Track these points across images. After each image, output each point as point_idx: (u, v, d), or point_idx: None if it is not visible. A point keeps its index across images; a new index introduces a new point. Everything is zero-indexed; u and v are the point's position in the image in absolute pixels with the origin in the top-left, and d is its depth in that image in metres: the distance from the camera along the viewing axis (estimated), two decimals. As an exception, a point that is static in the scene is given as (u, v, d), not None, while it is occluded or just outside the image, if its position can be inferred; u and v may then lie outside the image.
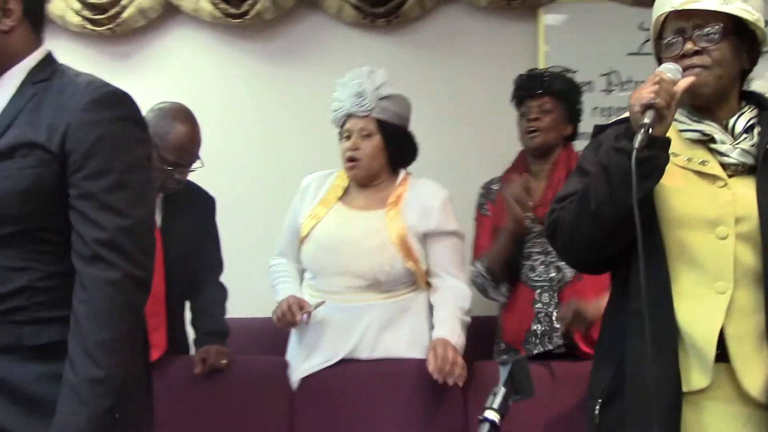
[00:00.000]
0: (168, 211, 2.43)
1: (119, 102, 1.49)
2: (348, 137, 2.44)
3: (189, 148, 2.36)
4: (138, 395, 1.62)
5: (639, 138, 1.40)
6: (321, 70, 3.32)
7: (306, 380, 2.36)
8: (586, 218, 1.52)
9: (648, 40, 3.10)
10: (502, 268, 2.50)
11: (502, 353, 2.64)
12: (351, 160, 2.42)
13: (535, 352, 2.45)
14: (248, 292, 2.75)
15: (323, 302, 2.34)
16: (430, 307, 2.45)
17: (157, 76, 3.39)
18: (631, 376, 1.47)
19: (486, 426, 1.11)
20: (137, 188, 1.50)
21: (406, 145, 2.51)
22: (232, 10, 3.28)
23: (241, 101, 3.42)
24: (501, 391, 1.14)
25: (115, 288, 1.43)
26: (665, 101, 1.43)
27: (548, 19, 3.31)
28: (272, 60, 3.41)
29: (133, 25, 3.35)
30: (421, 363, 2.32)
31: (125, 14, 3.32)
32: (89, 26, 3.34)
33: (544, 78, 2.66)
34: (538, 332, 2.48)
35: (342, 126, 2.48)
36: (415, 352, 2.36)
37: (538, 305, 2.50)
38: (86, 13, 3.33)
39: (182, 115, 2.38)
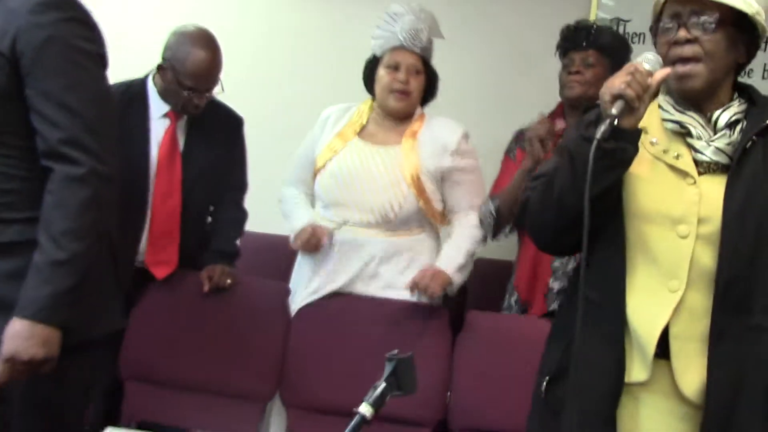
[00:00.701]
0: (192, 132, 2.50)
1: (66, 4, 1.56)
2: (396, 68, 2.43)
3: (206, 74, 2.39)
4: (104, 286, 1.72)
5: (602, 129, 1.37)
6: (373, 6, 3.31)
7: (304, 309, 2.46)
8: (550, 204, 1.52)
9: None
10: (511, 208, 2.49)
11: (513, 305, 2.69)
12: (403, 92, 2.44)
13: (550, 309, 2.48)
14: (268, 208, 2.77)
15: (345, 222, 2.42)
16: (436, 251, 2.50)
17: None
18: (575, 360, 1.47)
19: (358, 419, 1.15)
20: (91, 86, 1.58)
21: (436, 86, 2.55)
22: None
23: (281, 20, 3.42)
24: (381, 386, 1.17)
25: (80, 183, 1.53)
26: (636, 92, 1.39)
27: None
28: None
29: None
30: (417, 306, 2.42)
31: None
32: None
33: (591, 30, 2.59)
34: (555, 290, 2.51)
35: (383, 55, 2.46)
36: (407, 294, 2.42)
37: (556, 263, 2.51)
38: None
39: (203, 40, 2.40)
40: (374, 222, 2.41)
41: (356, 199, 2.42)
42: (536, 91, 3.08)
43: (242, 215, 2.68)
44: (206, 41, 2.40)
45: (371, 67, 2.51)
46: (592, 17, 3.16)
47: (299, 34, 3.44)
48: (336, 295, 2.45)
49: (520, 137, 2.70)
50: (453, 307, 2.63)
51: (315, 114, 2.62)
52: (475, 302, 2.97)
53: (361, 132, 2.50)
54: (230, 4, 3.34)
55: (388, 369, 1.18)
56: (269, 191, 2.68)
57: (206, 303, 2.47)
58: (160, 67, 2.41)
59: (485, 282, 3.10)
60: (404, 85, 2.42)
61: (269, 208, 2.68)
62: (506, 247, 2.88)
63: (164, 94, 2.44)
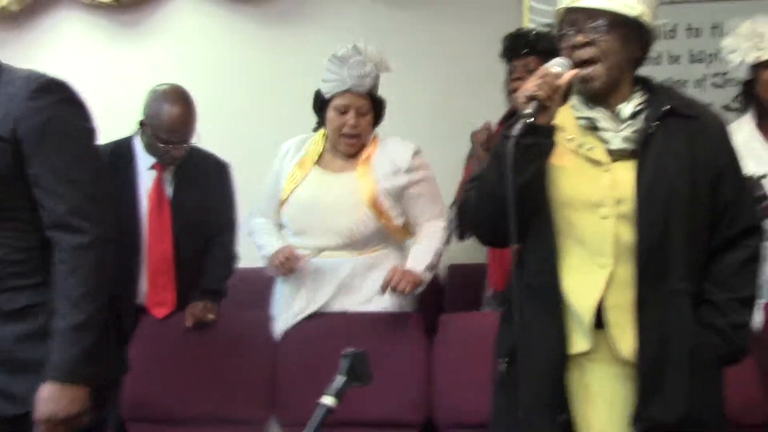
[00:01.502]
0: (178, 181, 2.71)
1: (58, 87, 1.71)
2: (345, 112, 2.55)
3: (180, 128, 2.60)
4: (109, 342, 1.83)
5: (518, 127, 1.53)
6: (318, 33, 3.51)
7: (288, 332, 2.60)
8: (484, 198, 1.67)
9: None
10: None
11: (491, 300, 2.83)
12: (352, 136, 2.56)
13: None
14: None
15: (319, 251, 2.55)
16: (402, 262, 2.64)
17: (162, 41, 3.62)
18: (522, 340, 1.63)
19: (323, 409, 1.30)
20: (89, 159, 1.73)
21: (383, 112, 2.67)
22: (228, -21, 3.44)
23: (240, 65, 3.62)
24: (341, 379, 1.33)
25: (88, 249, 1.67)
26: (547, 93, 1.55)
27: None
28: (271, 25, 3.60)
29: (137, -4, 3.57)
30: (393, 315, 2.56)
31: (130, -14, 3.53)
32: (98, -1, 3.57)
33: (530, 38, 2.74)
34: None
35: (331, 98, 2.56)
36: (384, 305, 2.57)
37: None
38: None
39: (174, 96, 2.61)
40: (341, 244, 2.55)
41: (320, 224, 2.56)
42: (485, 103, 3.24)
43: (231, 255, 2.85)
44: (178, 97, 2.61)
45: (321, 101, 2.61)
46: (525, 24, 3.34)
47: (259, 78, 3.63)
48: (316, 316, 2.58)
49: None
50: (431, 312, 2.77)
51: (275, 152, 2.76)
52: (452, 305, 3.13)
53: (319, 161, 2.64)
54: (189, 63, 3.53)
55: (345, 364, 1.34)
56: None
57: (195, 339, 2.62)
58: (141, 124, 2.64)
59: (460, 286, 3.26)
60: (353, 129, 2.54)
61: (240, 243, 2.85)
62: (481, 251, 3.02)
63: (148, 148, 2.66)
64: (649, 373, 1.61)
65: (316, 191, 2.59)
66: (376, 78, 2.58)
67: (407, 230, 2.66)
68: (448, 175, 2.72)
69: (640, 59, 1.72)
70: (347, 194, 2.56)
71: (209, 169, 2.80)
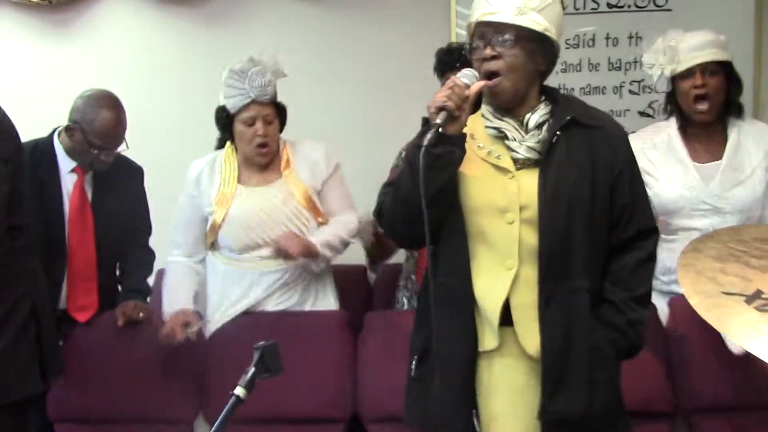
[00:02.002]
0: (98, 184, 2.72)
1: None
2: (251, 124, 2.58)
3: (114, 134, 2.61)
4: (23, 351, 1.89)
5: (428, 136, 1.60)
6: (248, 34, 3.55)
7: (217, 331, 2.65)
8: (399, 204, 1.75)
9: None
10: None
11: (404, 304, 2.93)
12: (263, 145, 2.60)
13: None
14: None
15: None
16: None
17: (92, 41, 3.60)
18: (437, 337, 1.71)
19: (233, 399, 1.37)
20: None
21: (286, 116, 2.71)
22: (162, -20, 3.46)
23: (171, 65, 3.63)
24: (251, 371, 1.40)
25: None
26: (456, 104, 1.64)
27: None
28: (202, 25, 3.62)
29: (68, -5, 3.56)
30: (319, 314, 2.64)
31: (61, -15, 3.51)
32: (28, -2, 3.54)
33: (462, 51, 2.79)
34: None
35: (238, 111, 2.59)
36: (308, 303, 2.68)
37: None
38: (26, -16, 3.52)
39: (108, 102, 2.62)
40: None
41: (265, 237, 2.59)
42: (405, 109, 3.29)
43: (150, 256, 2.90)
44: (112, 103, 2.62)
45: (226, 116, 2.63)
46: (452, 38, 3.45)
47: (190, 80, 3.65)
48: (245, 314, 2.64)
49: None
50: (361, 311, 2.86)
51: (199, 155, 2.79)
52: (381, 304, 3.22)
53: (240, 179, 2.66)
54: (121, 64, 3.53)
55: (255, 356, 1.41)
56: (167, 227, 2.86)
57: (126, 339, 2.65)
58: (68, 128, 2.62)
59: (391, 285, 3.35)
60: (264, 138, 2.58)
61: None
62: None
63: (71, 153, 2.65)
64: (553, 368, 1.72)
65: (253, 206, 2.62)
66: (275, 86, 2.62)
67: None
68: (369, 176, 2.75)
69: (546, 72, 1.81)
70: (284, 201, 2.62)
71: (126, 173, 2.82)
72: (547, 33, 1.73)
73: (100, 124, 2.57)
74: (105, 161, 2.63)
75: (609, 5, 3.51)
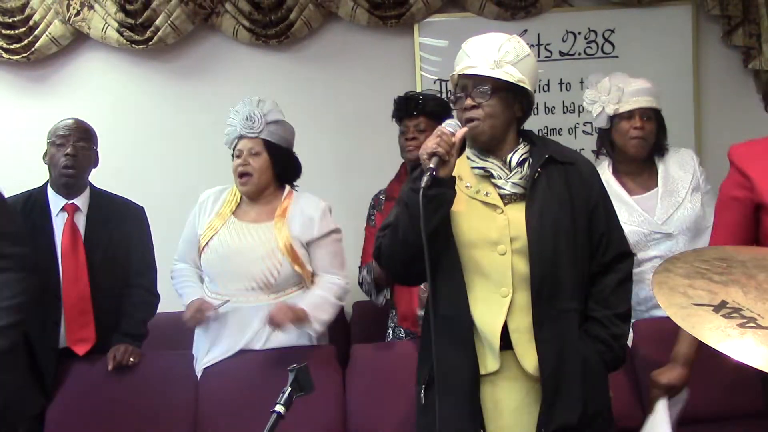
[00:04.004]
0: (91, 222, 2.84)
1: None
2: (239, 156, 2.79)
3: (72, 128, 2.82)
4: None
5: (425, 179, 1.78)
6: (222, 86, 3.72)
7: (208, 370, 2.75)
8: (397, 243, 1.90)
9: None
10: (386, 276, 2.81)
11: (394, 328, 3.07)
12: (242, 175, 2.77)
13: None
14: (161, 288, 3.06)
15: (228, 300, 2.71)
16: None
17: (70, 96, 3.73)
18: (439, 365, 1.85)
19: (274, 416, 1.51)
20: None
21: (290, 163, 2.88)
22: (137, 37, 3.61)
23: (148, 117, 3.77)
24: (288, 390, 1.55)
25: None
26: (445, 150, 1.81)
27: (423, 34, 3.72)
28: (177, 78, 3.78)
29: (46, 52, 3.68)
30: (305, 349, 2.76)
31: (39, 43, 3.64)
32: (5, 55, 3.65)
33: (418, 100, 2.98)
34: (420, 317, 2.86)
35: (234, 147, 2.83)
36: (302, 341, 2.79)
37: (424, 294, 2.83)
38: (2, 42, 3.63)
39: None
40: (257, 288, 2.73)
41: (237, 270, 2.73)
42: (373, 154, 3.60)
43: (151, 298, 2.96)
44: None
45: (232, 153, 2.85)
46: (417, 83, 3.71)
47: (165, 132, 3.81)
48: (237, 353, 2.74)
49: (376, 203, 3.08)
50: (340, 345, 2.99)
51: (191, 199, 2.94)
52: (358, 339, 3.36)
53: (236, 210, 2.83)
54: (99, 116, 3.66)
55: (291, 377, 1.55)
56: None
57: (120, 380, 2.72)
58: (44, 157, 2.82)
59: (365, 320, 3.50)
60: (243, 168, 2.75)
61: (161, 287, 2.98)
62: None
63: (53, 183, 2.81)
64: (551, 384, 1.88)
65: (235, 239, 2.77)
66: (267, 124, 2.78)
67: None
68: (332, 205, 2.91)
69: (522, 118, 2.01)
70: (264, 242, 2.75)
71: (121, 211, 2.92)
72: (522, 84, 1.92)
73: (59, 124, 2.82)
74: (68, 154, 2.77)
75: (561, 53, 3.77)
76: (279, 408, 1.53)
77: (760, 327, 1.42)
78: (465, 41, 2.00)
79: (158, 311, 3.02)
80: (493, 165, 1.97)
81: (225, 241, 2.77)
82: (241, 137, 2.80)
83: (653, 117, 2.85)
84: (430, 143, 1.82)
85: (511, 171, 1.96)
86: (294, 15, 3.63)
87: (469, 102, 1.92)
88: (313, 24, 3.67)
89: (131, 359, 2.75)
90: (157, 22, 3.59)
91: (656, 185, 2.86)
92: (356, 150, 3.78)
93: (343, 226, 2.89)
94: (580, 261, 1.94)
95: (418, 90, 3.66)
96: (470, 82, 1.93)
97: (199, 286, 2.84)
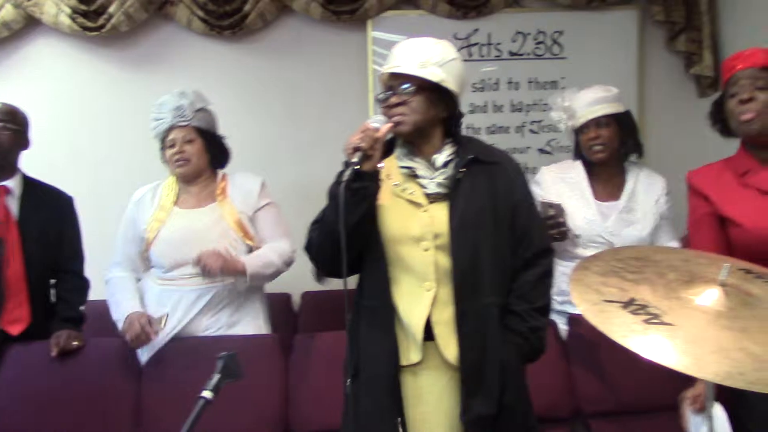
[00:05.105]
0: (25, 205, 2.85)
1: None
2: (173, 146, 2.84)
3: (7, 112, 2.82)
4: None
5: (347, 174, 1.85)
6: (175, 76, 3.73)
7: (152, 357, 2.78)
8: (325, 236, 1.96)
9: (461, 48, 3.67)
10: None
11: None
12: (179, 160, 2.84)
13: None
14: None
15: (167, 313, 2.75)
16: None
17: (21, 82, 3.70)
18: (364, 355, 1.96)
19: (202, 402, 1.56)
20: None
21: (221, 147, 2.97)
22: (89, 24, 3.60)
23: (100, 105, 3.76)
24: (217, 377, 1.60)
25: None
26: (368, 144, 1.87)
27: (376, 29, 3.77)
28: (130, 67, 3.77)
29: (-4, 36, 3.65)
30: (251, 338, 2.81)
31: (-12, 26, 3.61)
32: (-45, 38, 3.62)
33: None
34: None
35: (164, 138, 2.87)
36: (251, 328, 2.85)
37: None
38: (-49, 25, 3.60)
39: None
40: None
41: (193, 256, 2.74)
42: (326, 142, 3.64)
43: (83, 283, 2.99)
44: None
45: (162, 145, 2.90)
46: (370, 74, 3.76)
47: (113, 120, 3.80)
48: (179, 341, 2.78)
49: None
50: (287, 335, 3.04)
51: (129, 190, 2.98)
52: (305, 329, 3.41)
53: (177, 201, 2.88)
54: (50, 103, 3.65)
55: (219, 364, 1.60)
56: (99, 263, 3.01)
57: (61, 368, 2.73)
58: None
59: (313, 311, 3.56)
60: (180, 155, 2.83)
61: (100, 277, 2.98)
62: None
63: None
64: (471, 374, 1.96)
65: (185, 226, 2.82)
66: (200, 110, 2.87)
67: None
68: (287, 195, 3.01)
69: (446, 118, 2.05)
70: (214, 223, 2.82)
71: (54, 200, 2.95)
72: (445, 84, 1.98)
73: None
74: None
75: (511, 53, 3.85)
76: (206, 394, 1.58)
77: (663, 323, 1.51)
78: (397, 43, 2.07)
79: (101, 299, 3.02)
80: (418, 165, 2.03)
81: (174, 230, 2.81)
82: (171, 128, 2.85)
83: (611, 121, 2.92)
84: (354, 138, 1.89)
85: (436, 171, 2.03)
86: (249, 6, 3.66)
87: (394, 99, 1.98)
88: (267, 16, 3.70)
89: (74, 343, 2.76)
90: (111, 9, 3.59)
91: (619, 198, 2.95)
92: (308, 140, 3.81)
93: (295, 213, 2.89)
94: (501, 257, 2.01)
95: (370, 84, 3.73)
96: (396, 82, 1.99)
97: (135, 296, 2.84)
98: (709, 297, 1.60)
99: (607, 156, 2.92)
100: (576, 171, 2.99)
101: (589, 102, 2.93)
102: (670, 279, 1.67)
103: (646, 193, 2.97)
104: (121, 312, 2.77)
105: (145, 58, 3.77)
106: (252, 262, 2.77)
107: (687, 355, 1.45)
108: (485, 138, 3.80)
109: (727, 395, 1.92)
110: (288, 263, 2.89)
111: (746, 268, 1.78)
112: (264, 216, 2.91)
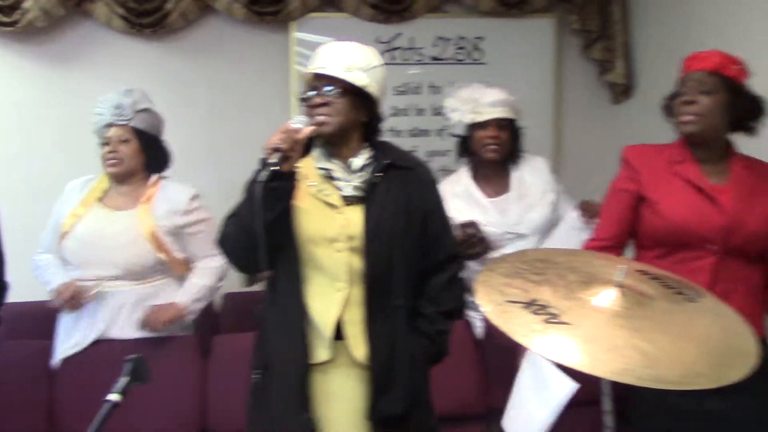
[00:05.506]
0: None
1: None
2: (107, 144, 2.81)
3: None
4: None
5: (264, 173, 1.86)
6: (93, 74, 3.66)
7: (66, 360, 2.75)
8: (240, 232, 1.97)
9: (384, 51, 3.70)
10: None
11: None
12: (112, 159, 2.80)
13: None
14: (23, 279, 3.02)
15: (101, 281, 2.73)
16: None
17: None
18: (273, 353, 1.98)
19: (108, 405, 1.56)
20: None
21: (160, 151, 2.92)
22: (4, 18, 3.49)
23: (15, 102, 3.66)
24: (124, 380, 1.60)
25: None
26: (288, 145, 1.88)
27: (300, 30, 3.78)
28: (47, 64, 3.67)
29: None
30: (170, 340, 2.80)
31: None
32: None
33: None
34: None
35: (103, 135, 2.84)
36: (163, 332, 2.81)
37: None
38: None
39: None
40: (121, 274, 2.75)
41: (101, 257, 2.74)
42: (244, 143, 3.56)
43: (2, 286, 2.91)
44: None
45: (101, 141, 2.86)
46: (292, 74, 3.77)
47: (28, 116, 3.70)
48: (94, 343, 2.75)
49: None
50: (207, 335, 3.03)
51: (60, 185, 2.92)
52: (226, 330, 3.40)
53: (103, 198, 2.85)
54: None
55: (127, 367, 1.60)
56: (22, 263, 2.87)
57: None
58: None
59: (234, 312, 3.55)
60: (112, 154, 2.80)
61: (23, 277, 2.87)
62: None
63: None
64: (379, 374, 2.00)
65: (97, 226, 2.78)
66: (136, 113, 2.84)
67: (186, 264, 2.91)
68: (207, 195, 2.98)
69: (367, 123, 2.09)
70: (127, 229, 2.78)
71: None
72: (368, 89, 2.02)
73: None
74: None
75: (432, 58, 3.91)
76: (113, 397, 1.57)
77: (561, 323, 1.58)
78: (322, 45, 2.09)
79: (20, 300, 2.90)
80: (335, 167, 2.05)
81: (88, 228, 2.78)
82: (109, 125, 2.82)
83: (508, 126, 3.02)
84: (275, 138, 1.89)
85: (352, 174, 2.05)
86: (170, 5, 3.62)
87: (317, 100, 2.00)
88: (189, 16, 3.67)
89: None
90: (26, 4, 3.49)
91: (509, 189, 3.03)
92: (229, 140, 3.80)
93: (216, 212, 2.85)
94: (412, 261, 2.06)
95: (293, 85, 3.74)
96: (321, 83, 2.01)
97: (64, 273, 2.81)
98: (606, 297, 1.67)
99: (498, 157, 3.01)
100: (462, 180, 3.07)
101: (495, 102, 3.01)
102: (571, 280, 1.74)
103: (533, 174, 3.07)
104: (52, 286, 2.75)
105: (62, 55, 3.69)
106: (185, 299, 2.81)
107: (584, 353, 1.52)
108: (407, 140, 3.87)
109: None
110: (222, 278, 2.92)
111: (642, 269, 1.88)
112: (195, 233, 2.88)
